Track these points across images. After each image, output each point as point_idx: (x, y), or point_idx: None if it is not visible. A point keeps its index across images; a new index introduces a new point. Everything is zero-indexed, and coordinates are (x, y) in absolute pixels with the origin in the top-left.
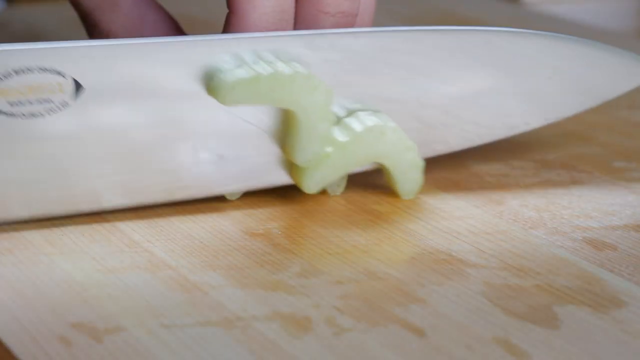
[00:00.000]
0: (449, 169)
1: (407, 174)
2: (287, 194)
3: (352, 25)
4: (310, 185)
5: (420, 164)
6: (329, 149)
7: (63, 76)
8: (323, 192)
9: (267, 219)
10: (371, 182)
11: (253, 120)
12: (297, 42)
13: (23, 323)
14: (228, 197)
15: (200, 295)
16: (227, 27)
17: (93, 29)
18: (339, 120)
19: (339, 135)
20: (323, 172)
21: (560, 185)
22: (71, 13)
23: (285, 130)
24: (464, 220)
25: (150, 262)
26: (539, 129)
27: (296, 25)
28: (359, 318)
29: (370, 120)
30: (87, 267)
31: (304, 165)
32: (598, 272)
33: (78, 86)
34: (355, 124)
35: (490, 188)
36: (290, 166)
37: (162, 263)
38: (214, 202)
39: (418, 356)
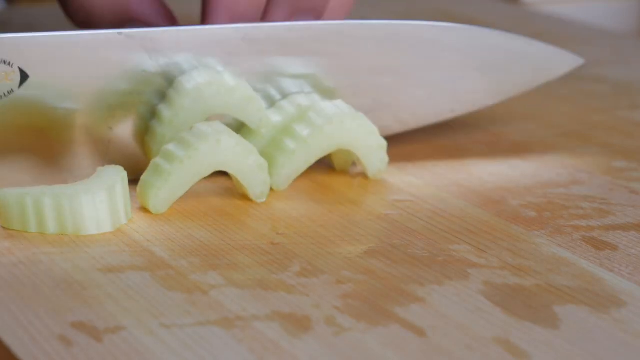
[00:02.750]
0: (449, 169)
1: (373, 155)
2: (287, 193)
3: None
4: (279, 183)
5: (384, 144)
6: (293, 145)
7: (10, 66)
8: (323, 192)
9: (267, 218)
10: (370, 183)
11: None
12: (236, 34)
13: (23, 323)
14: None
15: (200, 295)
16: (204, 9)
17: (78, 11)
18: (299, 114)
19: (301, 129)
20: (289, 168)
21: (560, 185)
22: None
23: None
24: (464, 220)
25: (150, 262)
26: (538, 129)
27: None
28: (359, 318)
29: (329, 110)
30: (87, 267)
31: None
32: (598, 271)
33: (24, 75)
34: (314, 116)
35: (490, 188)
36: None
37: (162, 263)
38: (214, 202)
39: (418, 356)
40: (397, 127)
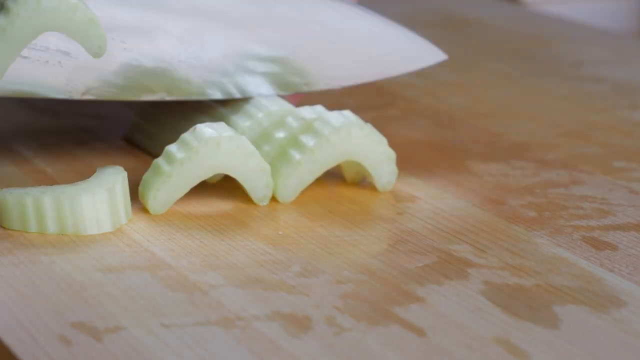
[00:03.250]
0: (449, 169)
1: (381, 167)
2: None
3: None
4: (285, 196)
5: (393, 155)
6: (299, 157)
7: None
8: (323, 192)
9: (267, 218)
10: (371, 182)
11: None
12: None
13: (23, 323)
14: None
15: (200, 295)
16: None
17: None
18: (306, 126)
19: (307, 140)
20: (297, 179)
21: (560, 185)
22: None
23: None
24: (464, 220)
25: (150, 262)
26: (538, 129)
27: None
28: (359, 318)
29: (336, 119)
30: (87, 267)
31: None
32: (598, 271)
33: None
34: (320, 126)
35: (490, 188)
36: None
37: (162, 263)
38: (214, 202)
39: (418, 356)
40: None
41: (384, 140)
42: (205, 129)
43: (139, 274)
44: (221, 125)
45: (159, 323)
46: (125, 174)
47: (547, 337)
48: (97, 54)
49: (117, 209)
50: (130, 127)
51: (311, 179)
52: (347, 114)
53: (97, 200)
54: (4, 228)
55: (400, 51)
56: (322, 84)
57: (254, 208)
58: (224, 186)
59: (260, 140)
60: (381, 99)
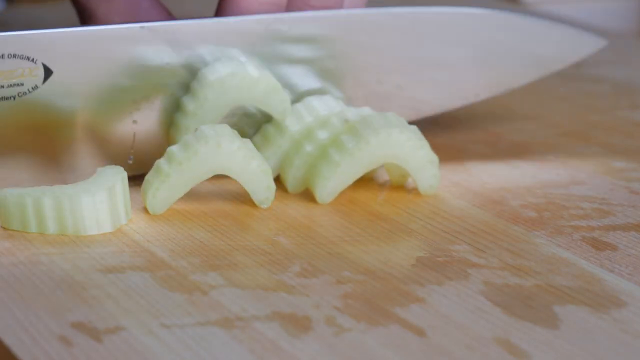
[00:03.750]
0: (449, 169)
1: (422, 171)
2: (287, 194)
3: None
4: (324, 196)
5: (435, 159)
6: (338, 157)
7: (34, 62)
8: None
9: (268, 219)
10: (371, 182)
11: None
12: (258, 25)
13: (23, 323)
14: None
15: (200, 295)
16: (220, 12)
17: (89, 21)
18: (349, 127)
19: (348, 141)
20: (335, 180)
21: (560, 185)
22: (71, 13)
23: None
24: (464, 220)
25: (150, 262)
26: (538, 129)
27: None
28: (359, 318)
29: (377, 123)
30: (87, 267)
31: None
32: (598, 272)
33: (48, 71)
34: (361, 127)
35: (490, 188)
36: (304, 176)
37: (162, 263)
38: (214, 202)
39: (418, 356)
40: (412, 115)
41: (425, 144)
42: (207, 130)
43: (139, 274)
44: (223, 126)
45: (159, 323)
46: (125, 174)
47: (547, 337)
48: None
49: (117, 209)
50: None
51: (350, 180)
52: (390, 116)
53: (97, 200)
54: (4, 228)
55: (552, 46)
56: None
57: (254, 208)
58: (224, 186)
59: (303, 140)
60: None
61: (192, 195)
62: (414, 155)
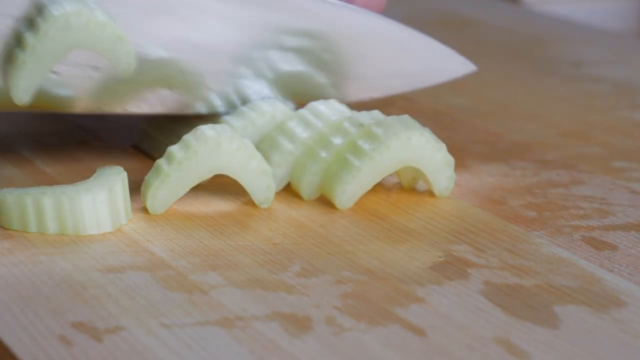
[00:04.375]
0: None
1: (440, 173)
2: (286, 194)
3: None
4: (343, 202)
5: (451, 160)
6: (358, 163)
7: None
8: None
9: (268, 219)
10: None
11: None
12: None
13: (23, 323)
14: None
15: (200, 295)
16: None
17: None
18: (365, 132)
19: (367, 146)
20: (355, 185)
21: (560, 185)
22: None
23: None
24: (464, 220)
25: (150, 262)
26: (538, 129)
27: None
28: (359, 318)
29: (396, 127)
30: (87, 267)
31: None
32: (598, 272)
33: None
34: (379, 131)
35: (490, 188)
36: (322, 182)
37: (162, 263)
38: (214, 202)
39: (418, 356)
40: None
41: (443, 146)
42: (206, 130)
43: (139, 274)
44: (223, 126)
45: (159, 323)
46: (125, 174)
47: (547, 337)
48: (125, 70)
49: (117, 209)
50: (140, 135)
51: (370, 185)
52: (406, 119)
53: (97, 200)
54: (4, 228)
55: (429, 62)
56: (351, 96)
57: (254, 208)
58: (224, 186)
59: (317, 146)
60: (381, 98)
61: (192, 195)
62: (432, 157)
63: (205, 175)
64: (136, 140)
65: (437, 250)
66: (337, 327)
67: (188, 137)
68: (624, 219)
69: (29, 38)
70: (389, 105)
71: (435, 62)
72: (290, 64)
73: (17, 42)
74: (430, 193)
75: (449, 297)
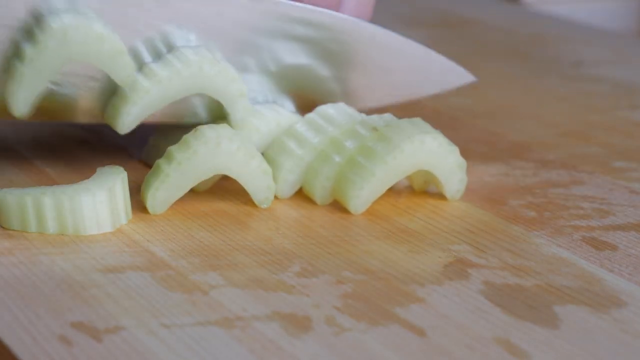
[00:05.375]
0: None
1: (452, 176)
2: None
3: None
4: (357, 206)
5: (463, 163)
6: (371, 167)
7: None
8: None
9: (268, 219)
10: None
11: None
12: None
13: (23, 323)
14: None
15: (200, 295)
16: None
17: None
18: (377, 135)
19: (380, 150)
20: (369, 190)
21: (560, 185)
22: None
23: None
24: (464, 220)
25: (150, 262)
26: (538, 129)
27: None
28: (359, 318)
29: (408, 130)
30: (87, 267)
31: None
32: (598, 272)
33: None
34: (394, 136)
35: (490, 188)
36: (334, 186)
37: (162, 263)
38: (214, 202)
39: (418, 356)
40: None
41: (455, 149)
42: (206, 130)
43: (138, 274)
44: (223, 126)
45: (159, 323)
46: (125, 174)
47: (547, 337)
48: (125, 83)
49: (117, 209)
50: (147, 149)
51: (383, 189)
52: (418, 121)
53: (97, 200)
54: (4, 228)
55: (428, 73)
56: (352, 105)
57: (254, 208)
58: (224, 186)
59: (330, 150)
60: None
61: (192, 195)
62: (445, 160)
63: (205, 174)
64: (143, 154)
65: (438, 251)
66: (337, 327)
67: (188, 137)
68: (624, 219)
69: (28, 50)
70: (389, 105)
71: (434, 72)
72: (288, 79)
73: (15, 53)
74: (431, 193)
75: (449, 297)
